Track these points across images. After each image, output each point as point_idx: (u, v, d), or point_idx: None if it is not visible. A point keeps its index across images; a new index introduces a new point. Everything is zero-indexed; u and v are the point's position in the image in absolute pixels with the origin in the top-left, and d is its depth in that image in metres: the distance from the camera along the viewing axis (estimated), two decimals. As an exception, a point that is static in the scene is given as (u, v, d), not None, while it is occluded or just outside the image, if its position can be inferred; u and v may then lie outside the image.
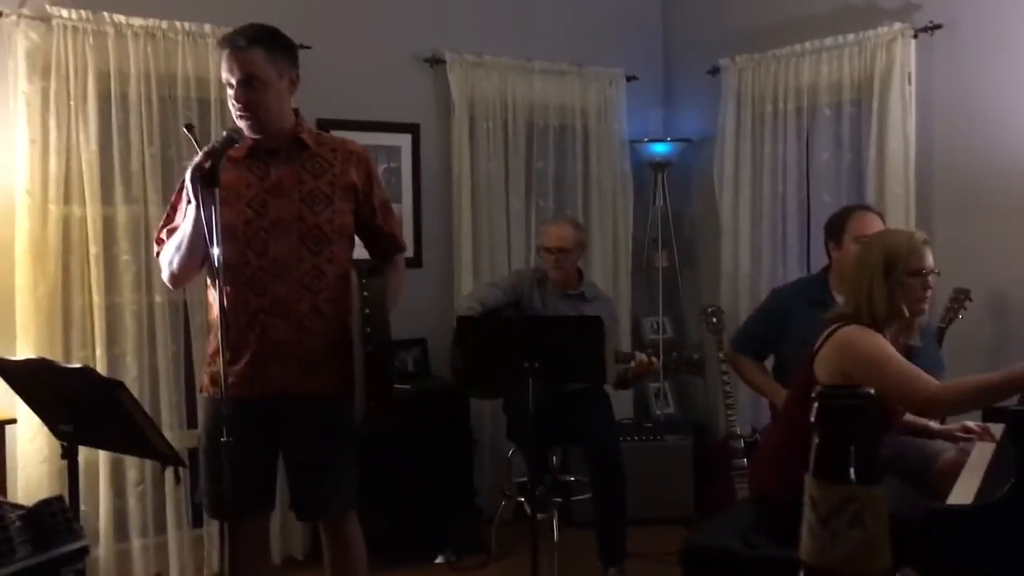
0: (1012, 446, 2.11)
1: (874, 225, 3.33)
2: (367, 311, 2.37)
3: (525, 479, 3.98)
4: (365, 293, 2.38)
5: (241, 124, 2.48)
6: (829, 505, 0.62)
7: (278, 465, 2.61)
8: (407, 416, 3.19)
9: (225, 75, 2.46)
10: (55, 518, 1.86)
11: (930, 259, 2.60)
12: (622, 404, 4.80)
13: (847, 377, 2.50)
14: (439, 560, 4.09)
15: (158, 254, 2.59)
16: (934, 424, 2.97)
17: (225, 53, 2.44)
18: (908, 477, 2.86)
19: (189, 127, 2.42)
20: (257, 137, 2.49)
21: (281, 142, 2.52)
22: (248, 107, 2.44)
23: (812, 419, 0.64)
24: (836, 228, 3.40)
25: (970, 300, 3.74)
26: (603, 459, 3.84)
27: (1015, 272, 3.92)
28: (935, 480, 2.67)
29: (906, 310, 2.54)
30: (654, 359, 3.72)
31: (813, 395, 0.64)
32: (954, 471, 2.57)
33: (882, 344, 2.51)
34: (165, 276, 2.58)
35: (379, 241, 2.68)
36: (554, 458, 4.34)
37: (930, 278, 2.57)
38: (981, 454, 2.65)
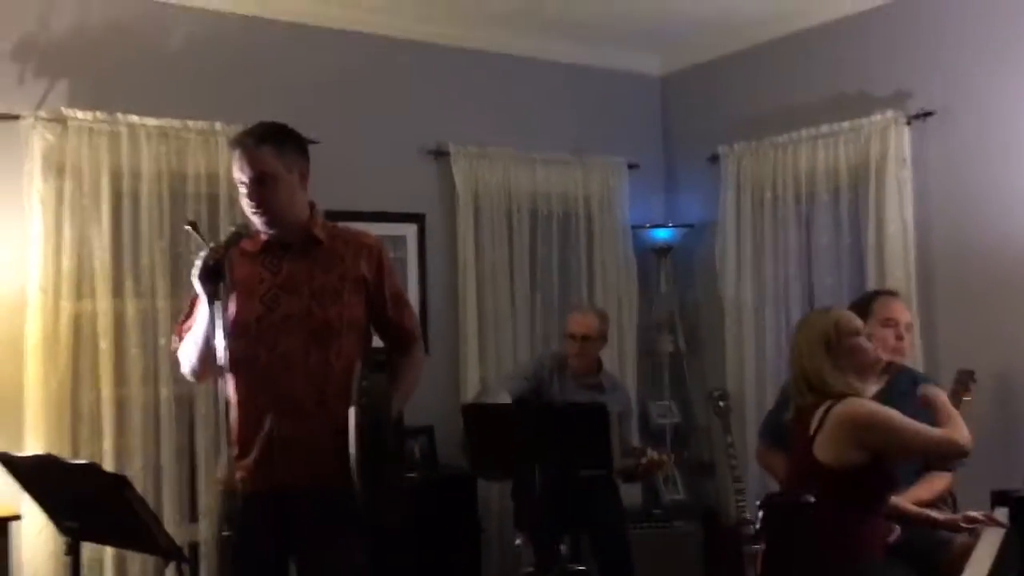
0: (1017, 533, 2.09)
1: (900, 310, 3.39)
2: (363, 406, 2.35)
3: (533, 569, 3.93)
4: (364, 385, 2.37)
5: (256, 221, 2.54)
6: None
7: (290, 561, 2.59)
8: (413, 506, 3.17)
9: (237, 175, 2.53)
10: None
11: (849, 319, 2.76)
12: (631, 490, 4.75)
13: (863, 448, 2.54)
14: (448, 654, 4.01)
15: (175, 350, 2.63)
16: (936, 513, 2.93)
17: (236, 153, 2.53)
18: (918, 561, 2.82)
19: (192, 224, 2.48)
20: (271, 232, 2.55)
21: (295, 236, 2.57)
22: (261, 204, 2.51)
23: (756, 527, 0.67)
24: (861, 311, 3.41)
25: (975, 382, 3.73)
26: (611, 548, 3.80)
27: (1019, 353, 3.92)
28: (949, 565, 2.64)
29: (868, 364, 2.72)
30: (665, 458, 3.73)
31: (758, 503, 0.67)
32: (968, 555, 2.54)
33: (887, 412, 2.59)
34: (186, 371, 2.62)
35: (391, 333, 2.69)
36: (563, 547, 4.28)
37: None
38: (990, 540, 2.62)
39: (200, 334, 2.48)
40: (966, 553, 2.59)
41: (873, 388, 3.28)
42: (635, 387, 5.09)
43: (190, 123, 3.91)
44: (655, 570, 4.26)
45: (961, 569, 2.40)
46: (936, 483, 3.18)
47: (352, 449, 2.33)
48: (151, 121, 3.83)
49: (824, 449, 2.57)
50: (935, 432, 2.61)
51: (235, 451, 2.50)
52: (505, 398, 3.88)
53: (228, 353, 2.29)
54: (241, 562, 2.34)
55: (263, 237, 2.58)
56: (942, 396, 2.80)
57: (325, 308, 2.52)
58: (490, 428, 3.48)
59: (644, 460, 3.70)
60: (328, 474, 2.45)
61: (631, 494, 4.77)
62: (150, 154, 3.82)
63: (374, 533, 2.58)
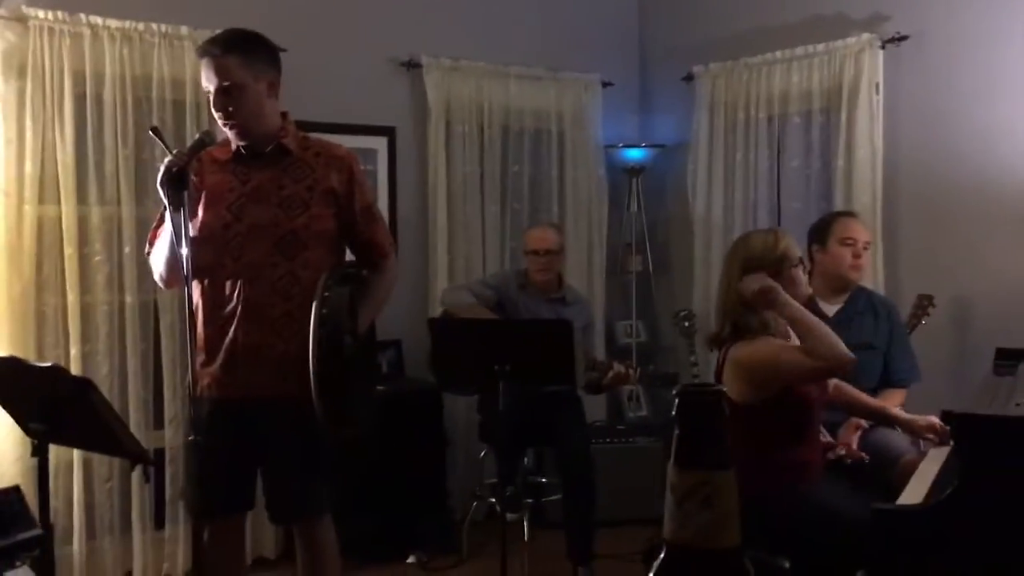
0: (956, 450, 2.18)
1: (859, 230, 3.44)
2: (323, 318, 2.33)
3: (496, 480, 4.03)
4: (326, 296, 2.34)
5: (227, 132, 2.53)
6: (684, 489, 0.68)
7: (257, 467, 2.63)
8: (379, 420, 3.21)
9: (204, 84, 2.51)
10: (11, 508, 1.89)
11: (794, 248, 2.68)
12: (595, 406, 4.85)
13: (754, 386, 2.59)
14: (411, 560, 4.13)
15: (148, 254, 2.63)
16: (898, 411, 3.01)
17: (203, 62, 2.49)
18: (867, 478, 2.92)
19: (155, 130, 2.44)
20: (241, 142, 2.53)
21: (265, 146, 2.55)
22: (228, 114, 2.48)
23: (673, 413, 0.70)
24: (822, 231, 3.50)
25: (933, 306, 3.82)
26: (574, 461, 3.88)
27: (978, 279, 4.00)
28: (897, 480, 2.73)
29: (804, 295, 2.67)
30: (631, 371, 3.78)
31: (674, 392, 0.70)
32: (914, 470, 2.63)
33: (769, 345, 2.60)
34: (156, 277, 2.63)
35: (361, 248, 2.68)
36: (526, 460, 4.39)
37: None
38: (935, 457, 2.72)
39: (167, 241, 2.48)
40: (911, 470, 2.68)
41: (833, 307, 3.35)
42: (603, 306, 5.15)
43: (155, 26, 3.82)
44: (618, 484, 4.37)
45: (905, 485, 2.49)
46: (892, 400, 3.28)
47: (311, 361, 2.33)
48: (114, 23, 3.73)
49: (729, 388, 2.62)
50: (828, 339, 2.51)
51: (201, 357, 2.52)
52: (468, 297, 3.93)
53: (194, 260, 2.29)
54: (207, 467, 2.37)
55: (233, 146, 2.56)
56: (798, 311, 2.60)
57: (292, 218, 2.51)
58: (456, 342, 3.52)
59: (611, 373, 3.75)
60: (294, 385, 2.44)
61: (595, 410, 4.87)
62: (114, 57, 3.73)
63: (339, 445, 2.60)
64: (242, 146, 2.55)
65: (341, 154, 2.62)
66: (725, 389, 0.70)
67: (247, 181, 2.54)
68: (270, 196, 2.52)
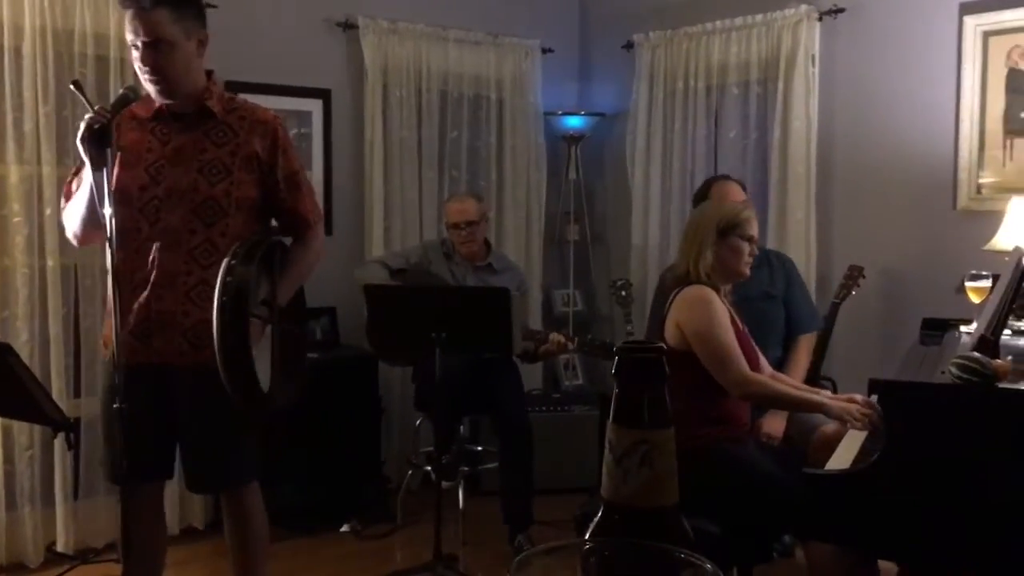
0: (882, 416, 2.22)
1: (734, 191, 3.56)
2: (223, 304, 2.23)
3: (432, 449, 4.02)
4: (228, 280, 2.23)
5: (149, 88, 2.42)
6: (623, 447, 0.67)
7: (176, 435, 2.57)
8: (308, 390, 3.12)
9: (130, 37, 2.39)
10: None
11: (753, 226, 2.84)
12: (532, 375, 4.86)
13: (683, 333, 2.71)
14: (345, 529, 4.10)
15: (63, 209, 2.53)
16: (826, 399, 3.04)
17: (129, 14, 2.37)
18: (791, 450, 2.97)
19: (76, 84, 2.34)
20: (167, 102, 2.44)
21: (188, 107, 2.46)
22: (156, 70, 2.38)
23: (613, 371, 0.69)
24: (701, 198, 3.59)
25: (863, 277, 3.89)
26: (512, 427, 3.89)
27: (906, 250, 4.09)
28: (812, 452, 2.78)
29: (735, 270, 2.79)
30: (568, 342, 3.80)
31: (614, 349, 0.69)
32: (832, 443, 2.68)
33: (714, 313, 2.70)
34: (69, 235, 2.54)
35: (284, 217, 2.57)
36: (462, 428, 4.38)
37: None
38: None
39: (84, 199, 2.39)
40: (832, 440, 2.73)
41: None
42: (540, 274, 5.14)
43: (77, -23, 3.66)
44: (553, 452, 4.40)
45: (826, 456, 2.53)
46: (802, 349, 3.47)
47: (214, 331, 2.25)
48: (34, -27, 3.56)
49: (668, 329, 2.75)
50: (733, 373, 2.67)
51: (116, 321, 2.44)
52: (380, 272, 3.89)
53: (110, 222, 2.21)
54: (125, 434, 2.28)
55: (155, 104, 2.45)
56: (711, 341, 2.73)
57: (212, 184, 2.43)
58: (393, 310, 3.48)
59: (549, 342, 3.79)
60: (209, 352, 2.33)
61: (532, 379, 4.87)
62: (33, 9, 3.56)
63: (259, 416, 2.53)
64: (166, 105, 2.45)
65: (266, 118, 2.52)
66: (664, 346, 0.68)
67: (167, 142, 2.45)
68: (190, 160, 2.43)
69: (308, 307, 4.22)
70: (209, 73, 2.51)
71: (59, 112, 3.65)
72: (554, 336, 3.84)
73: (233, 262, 2.26)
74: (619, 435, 0.68)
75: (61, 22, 3.63)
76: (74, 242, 2.57)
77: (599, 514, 0.70)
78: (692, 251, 2.78)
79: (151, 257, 2.42)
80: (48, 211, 3.61)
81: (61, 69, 3.65)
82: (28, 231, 3.59)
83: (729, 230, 2.78)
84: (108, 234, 2.21)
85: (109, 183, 2.21)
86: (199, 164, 2.44)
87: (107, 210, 2.20)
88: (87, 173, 2.31)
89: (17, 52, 3.57)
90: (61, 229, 3.59)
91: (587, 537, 0.69)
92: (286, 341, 2.53)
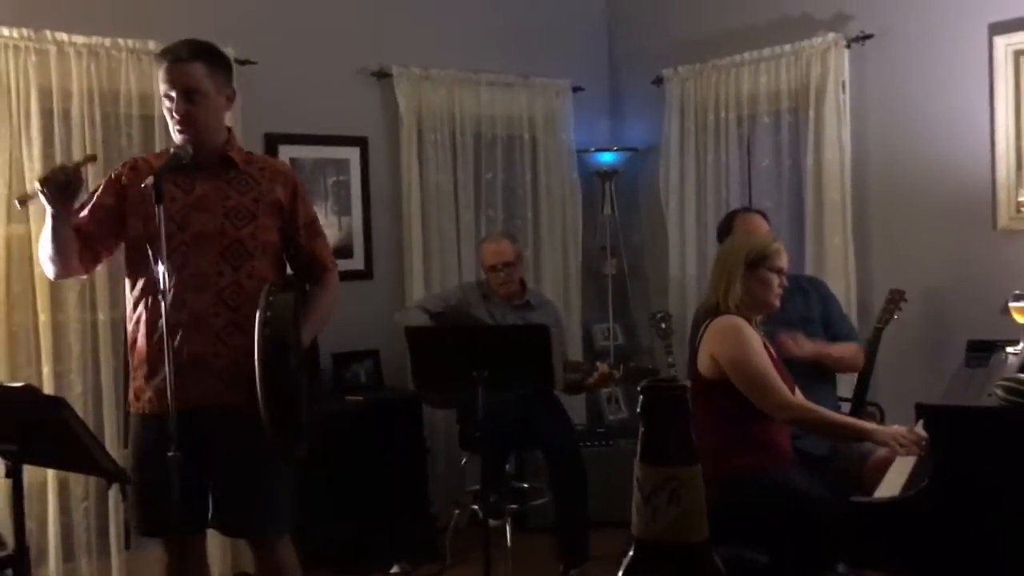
0: (930, 442, 2.20)
1: (758, 223, 3.61)
2: (266, 335, 2.27)
3: (479, 487, 4.03)
4: (269, 315, 2.27)
5: (177, 138, 2.50)
6: (651, 485, 0.69)
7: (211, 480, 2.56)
8: (323, 436, 3.10)
9: (164, 87, 2.48)
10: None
11: (782, 258, 2.86)
12: (576, 410, 4.86)
13: (717, 363, 2.71)
14: (394, 570, 4.11)
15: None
16: (872, 426, 3.02)
17: (164, 66, 2.47)
18: (843, 477, 2.95)
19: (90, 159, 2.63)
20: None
21: (210, 158, 2.53)
22: (185, 120, 2.46)
23: (638, 410, 0.72)
24: (726, 231, 3.64)
25: (905, 301, 3.86)
26: (564, 460, 3.91)
27: (947, 272, 4.05)
28: (866, 477, 2.76)
29: (764, 302, 2.80)
30: (615, 371, 3.83)
31: (638, 388, 0.71)
32: (884, 468, 2.65)
33: (748, 340, 2.71)
34: (49, 273, 2.62)
35: (303, 261, 2.63)
36: (508, 466, 4.39)
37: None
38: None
39: (50, 246, 2.47)
40: (885, 465, 2.71)
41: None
42: (579, 309, 5.16)
43: (122, 41, 3.80)
44: (599, 486, 4.36)
45: (877, 480, 2.51)
46: (849, 350, 3.54)
47: (256, 365, 2.27)
48: (80, 39, 3.71)
49: (701, 360, 2.76)
50: (774, 397, 2.69)
51: (144, 370, 2.50)
52: (422, 316, 3.94)
53: (131, 269, 2.37)
54: (160, 484, 2.30)
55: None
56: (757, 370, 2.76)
57: (238, 228, 2.50)
58: (434, 350, 3.52)
59: (595, 375, 3.82)
60: (243, 394, 2.35)
61: (575, 413, 4.87)
62: (80, 73, 3.71)
63: (291, 462, 2.55)
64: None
65: (284, 169, 2.65)
66: (688, 384, 0.71)
67: (191, 191, 2.51)
68: (216, 206, 2.50)
69: (352, 351, 4.34)
70: (229, 130, 2.61)
71: (107, 171, 3.76)
72: (601, 367, 3.88)
73: (271, 299, 2.30)
74: (647, 473, 0.71)
75: (107, 84, 3.77)
76: (51, 276, 2.66)
77: (631, 552, 0.73)
78: (721, 284, 2.80)
79: (181, 302, 2.46)
80: (100, 267, 3.70)
81: (108, 129, 3.78)
82: (80, 287, 3.70)
83: (758, 262, 2.79)
84: (161, 288, 2.31)
85: (162, 236, 2.30)
86: (224, 209, 2.50)
87: (161, 267, 2.29)
88: (48, 222, 2.42)
89: (66, 115, 3.71)
90: (112, 284, 3.73)
91: (620, 575, 0.71)
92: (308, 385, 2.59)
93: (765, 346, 2.78)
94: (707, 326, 2.80)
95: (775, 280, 2.80)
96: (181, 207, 2.50)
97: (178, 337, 2.45)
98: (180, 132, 2.49)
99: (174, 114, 2.47)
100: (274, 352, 2.27)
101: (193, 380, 2.44)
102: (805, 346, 3.36)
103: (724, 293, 2.77)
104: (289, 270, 2.67)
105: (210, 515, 2.58)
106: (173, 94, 2.46)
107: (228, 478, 2.52)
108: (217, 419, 2.46)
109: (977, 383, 2.71)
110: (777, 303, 2.84)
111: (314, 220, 2.66)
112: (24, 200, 2.60)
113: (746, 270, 2.78)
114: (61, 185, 2.33)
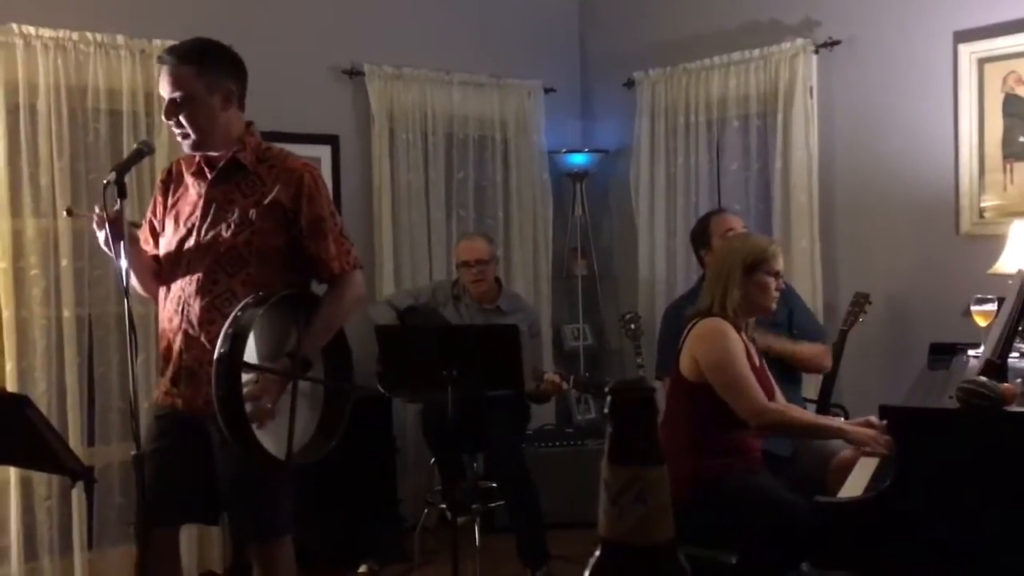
0: (895, 443, 2.24)
1: (734, 222, 3.63)
2: (223, 341, 2.27)
3: (441, 486, 4.03)
4: (230, 330, 2.27)
5: (181, 142, 2.51)
6: (618, 485, 0.71)
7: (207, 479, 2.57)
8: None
9: (160, 91, 2.52)
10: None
11: (779, 261, 2.87)
12: (545, 411, 4.88)
13: (698, 366, 2.73)
14: (362, 569, 4.10)
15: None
16: (840, 422, 3.06)
17: (161, 71, 2.50)
18: (806, 478, 2.98)
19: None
20: (195, 154, 2.52)
21: (220, 158, 2.51)
22: (178, 124, 2.46)
23: (606, 411, 0.73)
24: (701, 233, 3.69)
25: (870, 304, 3.91)
26: (504, 466, 3.91)
27: (911, 276, 4.12)
28: (830, 478, 2.80)
29: (761, 306, 2.82)
30: (564, 383, 3.79)
31: (606, 390, 0.72)
32: (848, 468, 2.70)
33: (730, 345, 2.72)
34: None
35: (308, 265, 2.55)
36: (476, 465, 4.40)
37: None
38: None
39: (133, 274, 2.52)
40: (848, 466, 2.74)
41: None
42: (549, 310, 5.18)
43: (90, 35, 3.75)
44: (568, 487, 4.40)
45: (841, 481, 2.55)
46: (814, 350, 3.56)
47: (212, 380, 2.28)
48: (48, 32, 3.66)
49: (683, 362, 2.78)
50: (750, 403, 2.71)
51: (161, 368, 2.59)
52: (389, 313, 3.94)
53: (157, 276, 2.49)
54: (159, 478, 2.37)
55: (195, 158, 2.55)
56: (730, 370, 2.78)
57: (235, 235, 2.47)
58: (404, 349, 3.52)
59: (542, 384, 3.76)
60: None
61: (545, 414, 4.90)
62: (47, 67, 3.66)
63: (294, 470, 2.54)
64: (202, 157, 2.53)
65: (293, 167, 2.52)
66: (654, 387, 0.72)
67: (202, 196, 2.53)
68: (219, 211, 2.50)
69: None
70: (248, 124, 2.56)
71: (73, 166, 3.73)
72: (548, 376, 3.83)
73: (238, 312, 2.30)
74: (613, 473, 0.72)
75: (75, 79, 3.73)
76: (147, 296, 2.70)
77: (597, 552, 0.74)
78: (718, 288, 2.79)
79: (180, 308, 2.51)
80: (64, 263, 3.68)
81: (75, 124, 3.74)
82: (45, 283, 3.66)
83: (756, 266, 2.79)
84: (125, 285, 2.33)
85: (126, 234, 2.33)
86: (225, 215, 2.49)
87: (123, 262, 2.28)
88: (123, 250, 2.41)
89: (32, 109, 3.66)
90: (76, 280, 3.70)
91: (586, 575, 0.73)
92: (329, 397, 2.60)
93: (748, 352, 2.80)
94: (691, 327, 2.81)
95: (772, 283, 2.81)
96: (191, 212, 2.52)
97: (178, 342, 2.51)
98: (180, 138, 2.50)
99: (164, 118, 2.50)
100: (223, 369, 2.26)
101: (188, 386, 2.50)
102: (766, 338, 3.28)
103: (721, 297, 2.77)
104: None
105: (195, 512, 2.65)
106: (166, 99, 2.47)
107: (227, 485, 2.52)
108: (214, 424, 2.44)
109: (939, 385, 2.76)
110: (774, 306, 2.86)
111: (321, 219, 2.49)
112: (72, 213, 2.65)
113: (744, 274, 2.78)
114: (110, 236, 2.36)
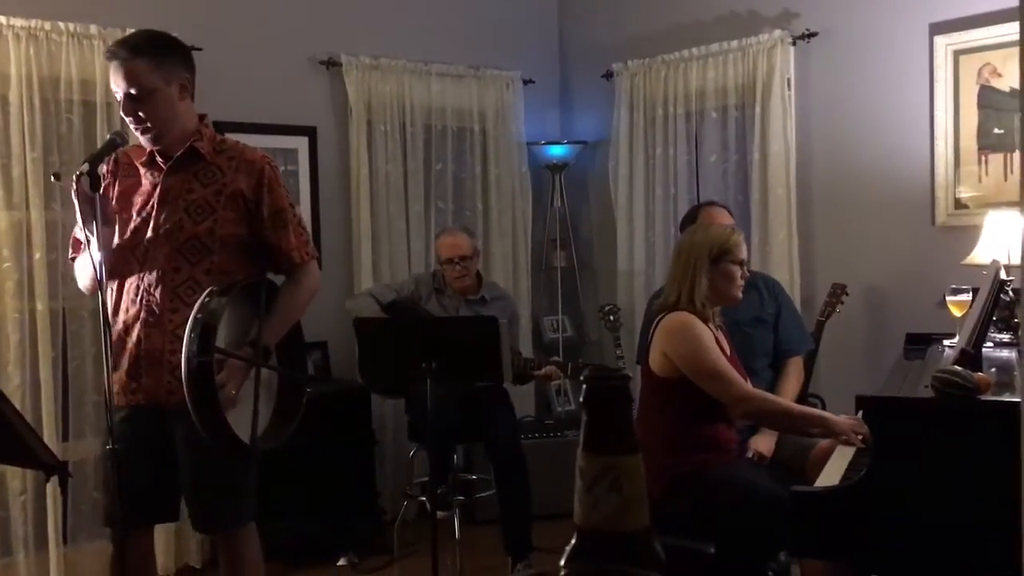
0: (871, 433, 2.25)
1: (722, 217, 3.59)
2: (192, 327, 2.26)
3: (427, 479, 4.02)
4: (198, 315, 2.26)
5: (140, 137, 2.48)
6: (593, 474, 0.70)
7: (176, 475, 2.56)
8: (307, 419, 3.15)
9: (114, 88, 2.46)
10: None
11: (742, 250, 2.87)
12: (524, 402, 4.89)
13: (671, 361, 2.72)
14: (342, 562, 4.08)
15: (72, 260, 2.60)
16: (824, 415, 3.04)
17: (111, 66, 2.44)
18: (787, 469, 3.01)
19: (56, 176, 2.46)
20: (156, 147, 2.49)
21: (177, 149, 2.49)
22: (140, 119, 2.44)
23: (581, 399, 0.73)
24: (691, 223, 3.61)
25: (847, 294, 3.94)
26: (505, 454, 3.91)
27: (888, 267, 4.15)
28: (809, 468, 2.82)
29: (727, 295, 2.81)
30: (560, 375, 3.85)
31: (581, 378, 0.72)
32: (826, 458, 2.71)
33: (699, 336, 2.72)
34: (80, 286, 2.60)
35: (269, 255, 2.56)
36: (456, 457, 4.39)
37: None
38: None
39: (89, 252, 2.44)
40: (827, 455, 2.76)
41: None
42: (528, 302, 5.18)
43: (62, 25, 3.71)
44: (547, 478, 4.39)
45: (819, 471, 2.57)
46: (794, 371, 3.48)
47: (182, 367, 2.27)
48: (19, 22, 3.62)
49: (653, 358, 2.77)
50: (733, 390, 2.70)
51: (113, 363, 2.47)
52: (372, 305, 3.93)
53: (108, 265, 2.28)
54: (124, 477, 2.31)
55: (148, 149, 2.51)
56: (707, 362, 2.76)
57: (196, 223, 2.46)
58: (383, 342, 3.51)
59: (541, 372, 3.85)
60: None
61: (524, 405, 4.90)
62: (19, 57, 3.61)
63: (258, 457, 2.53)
64: (156, 149, 2.50)
65: (253, 158, 2.53)
66: (631, 375, 0.72)
67: (157, 185, 2.49)
68: (177, 200, 2.47)
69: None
70: (202, 116, 2.56)
71: (46, 158, 3.69)
72: (547, 368, 3.90)
73: (206, 299, 2.29)
74: (589, 462, 0.72)
75: (47, 69, 3.68)
76: (86, 292, 2.63)
77: (573, 540, 0.74)
78: (685, 279, 2.78)
79: (139, 297, 2.47)
80: (38, 255, 3.64)
81: (48, 115, 3.70)
82: (18, 276, 3.62)
83: (721, 256, 2.79)
84: (99, 276, 2.26)
85: (97, 232, 2.25)
86: (185, 204, 2.47)
87: (97, 256, 2.24)
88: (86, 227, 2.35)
89: (4, 100, 3.61)
90: (50, 273, 3.66)
91: (562, 563, 0.72)
92: (284, 385, 2.56)
93: (718, 342, 2.81)
94: (658, 322, 2.82)
95: (738, 272, 2.82)
96: (148, 201, 2.48)
97: (136, 332, 2.46)
98: (138, 131, 2.46)
99: (124, 114, 2.46)
100: (192, 359, 2.25)
101: (149, 376, 2.46)
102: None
103: (689, 289, 2.76)
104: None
105: (167, 510, 2.60)
106: (120, 96, 2.43)
107: (190, 477, 2.51)
108: (176, 414, 2.43)
109: (915, 375, 2.78)
110: (740, 295, 2.86)
111: (281, 210, 2.51)
112: (59, 176, 2.50)
113: (710, 265, 2.78)
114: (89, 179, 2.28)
